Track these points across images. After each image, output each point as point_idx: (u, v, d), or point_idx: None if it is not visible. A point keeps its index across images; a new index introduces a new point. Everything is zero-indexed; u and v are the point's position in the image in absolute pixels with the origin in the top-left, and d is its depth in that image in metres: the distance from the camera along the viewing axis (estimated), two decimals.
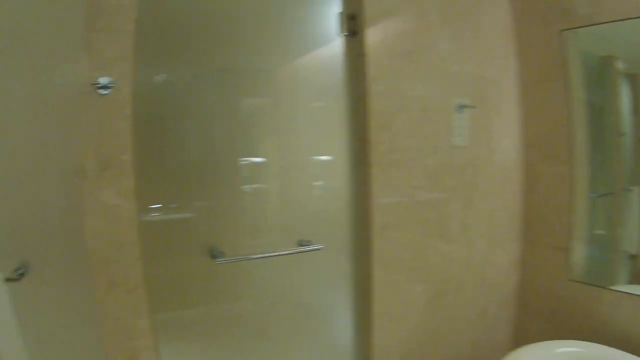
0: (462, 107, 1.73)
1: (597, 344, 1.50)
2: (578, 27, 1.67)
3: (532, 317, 1.99)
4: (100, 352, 1.36)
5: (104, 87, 1.25)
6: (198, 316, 1.55)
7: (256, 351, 1.61)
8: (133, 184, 1.29)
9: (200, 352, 1.55)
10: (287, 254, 1.53)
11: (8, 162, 1.33)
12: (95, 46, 1.25)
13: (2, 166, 1.32)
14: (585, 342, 1.55)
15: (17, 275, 1.32)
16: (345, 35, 1.65)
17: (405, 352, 1.71)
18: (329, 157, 1.66)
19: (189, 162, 1.49)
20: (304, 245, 1.53)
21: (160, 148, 1.45)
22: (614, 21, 1.54)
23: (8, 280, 1.29)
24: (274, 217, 1.63)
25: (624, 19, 1.50)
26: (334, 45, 1.65)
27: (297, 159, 1.64)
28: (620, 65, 1.65)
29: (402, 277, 1.64)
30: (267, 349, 1.63)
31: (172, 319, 1.53)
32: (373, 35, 1.58)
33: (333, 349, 1.74)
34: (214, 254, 1.45)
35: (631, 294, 1.57)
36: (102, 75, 1.25)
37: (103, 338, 1.33)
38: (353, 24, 1.62)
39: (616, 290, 1.63)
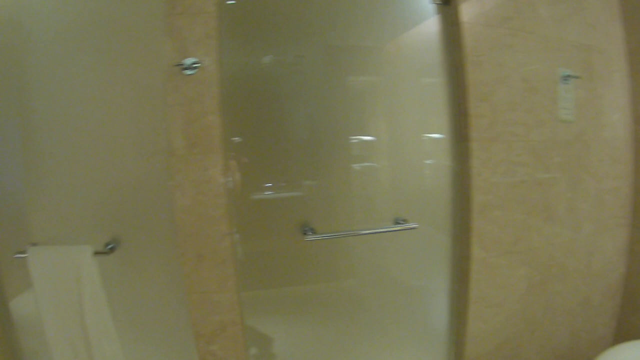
0: (566, 77, 1.29)
1: None
2: None
3: (638, 310, 1.44)
4: (186, 325, 1.20)
5: (189, 67, 1.09)
6: (292, 294, 1.36)
7: (347, 331, 1.39)
8: (221, 160, 1.10)
9: (288, 329, 1.34)
10: (378, 232, 1.28)
11: (103, 142, 1.25)
12: (177, 29, 1.10)
13: (97, 146, 1.25)
14: None
15: (108, 250, 1.23)
16: (437, 3, 1.33)
17: (500, 341, 1.31)
18: (439, 135, 1.36)
19: (298, 141, 1.29)
20: (399, 224, 1.13)
21: (269, 128, 1.26)
22: None
23: (97, 253, 1.19)
24: (377, 195, 1.37)
25: None
26: (436, 18, 1.35)
27: (407, 137, 1.36)
28: None
29: (501, 261, 1.24)
30: (359, 329, 1.40)
31: (262, 296, 1.33)
32: (468, 3, 1.27)
33: (427, 331, 1.47)
34: (305, 231, 1.23)
35: None
36: (186, 56, 1.09)
37: (189, 311, 1.17)
38: None
39: None
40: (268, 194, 1.26)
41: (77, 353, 1.22)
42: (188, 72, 1.09)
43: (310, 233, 1.19)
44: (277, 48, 1.27)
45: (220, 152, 1.08)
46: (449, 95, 1.32)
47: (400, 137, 1.33)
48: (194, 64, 1.09)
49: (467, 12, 1.27)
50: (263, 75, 1.25)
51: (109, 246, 1.19)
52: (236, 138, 1.22)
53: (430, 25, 1.33)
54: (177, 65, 1.08)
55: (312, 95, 1.28)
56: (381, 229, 1.25)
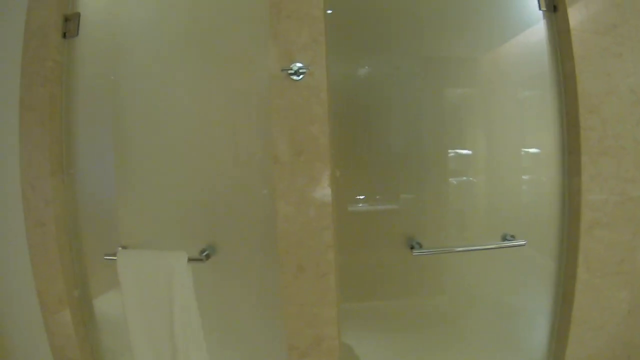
0: None
1: None
2: None
3: None
4: (278, 337, 1.19)
5: (296, 73, 1.07)
6: (385, 308, 1.32)
7: (437, 349, 1.33)
8: (329, 170, 1.07)
9: (382, 344, 1.31)
10: (487, 249, 1.22)
11: (200, 148, 1.25)
12: (283, 34, 1.08)
13: (194, 152, 1.25)
14: None
15: (203, 257, 1.21)
16: (544, 10, 1.28)
17: None
18: (536, 150, 1.30)
19: (394, 153, 1.26)
20: (507, 240, 1.08)
21: (366, 139, 1.24)
22: None
23: (191, 260, 1.17)
24: (477, 211, 1.33)
25: None
26: (540, 27, 1.29)
27: (504, 152, 1.32)
28: None
29: (605, 282, 1.20)
30: (449, 347, 1.34)
31: (358, 308, 1.30)
32: (575, 9, 1.21)
33: (523, 352, 1.39)
34: (412, 245, 1.21)
35: None
36: (293, 62, 1.07)
37: (285, 323, 1.15)
38: None
39: None
40: (361, 206, 1.21)
41: (162, 357, 1.20)
42: (295, 77, 1.04)
43: (418, 247, 1.14)
44: (373, 58, 1.23)
45: (327, 161, 1.04)
46: (555, 108, 1.25)
47: (497, 152, 1.29)
48: (301, 69, 1.04)
49: (574, 19, 1.21)
50: (359, 86, 1.22)
51: (204, 253, 1.15)
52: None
53: (531, 34, 1.26)
54: (284, 70, 1.03)
55: (409, 107, 1.23)
56: (489, 245, 1.20)
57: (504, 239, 1.22)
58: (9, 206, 1.35)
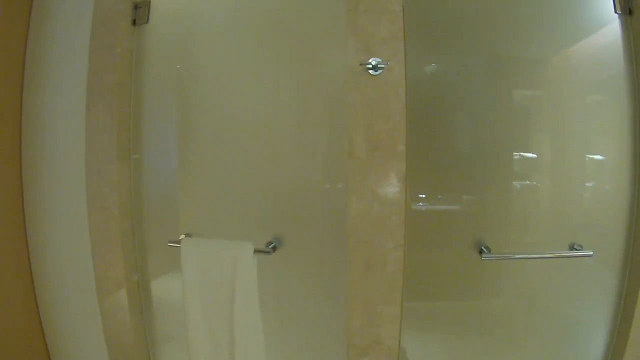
0: None
1: None
2: None
3: None
4: (339, 334, 1.17)
5: (374, 67, 1.05)
6: (441, 309, 1.31)
7: (496, 356, 1.30)
8: (404, 167, 1.06)
9: (435, 346, 1.31)
10: (555, 257, 1.21)
11: (270, 141, 1.25)
12: (361, 28, 1.06)
13: (263, 144, 1.25)
14: None
15: (269, 249, 1.21)
16: (619, 14, 1.22)
17: None
18: (602, 157, 1.26)
19: (458, 153, 1.25)
20: (575, 250, 1.07)
21: (429, 137, 1.22)
22: None
23: (257, 251, 1.17)
24: (543, 217, 1.29)
25: None
26: (612, 29, 1.23)
27: (571, 157, 1.27)
28: None
29: None
30: (508, 354, 1.32)
31: (415, 308, 1.28)
32: None
33: None
34: (480, 249, 1.19)
35: None
36: (371, 56, 1.05)
37: (347, 320, 1.13)
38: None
39: None
40: (422, 205, 1.20)
41: (218, 346, 1.21)
42: (373, 72, 1.03)
43: (487, 252, 1.12)
44: (442, 55, 1.21)
45: (403, 159, 1.03)
46: (627, 114, 1.21)
47: (563, 157, 1.25)
48: (380, 64, 1.03)
49: None
50: (427, 83, 1.19)
51: (271, 245, 1.16)
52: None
53: (603, 36, 1.22)
54: (362, 64, 1.02)
55: (474, 106, 1.21)
56: (556, 253, 1.17)
57: (572, 248, 1.18)
58: (70, 191, 1.39)
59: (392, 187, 1.04)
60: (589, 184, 1.29)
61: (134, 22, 1.35)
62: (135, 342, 1.39)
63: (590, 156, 1.28)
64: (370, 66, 1.05)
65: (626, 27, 1.23)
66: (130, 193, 1.33)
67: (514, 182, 1.25)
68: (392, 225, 1.05)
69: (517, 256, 1.15)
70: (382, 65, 1.04)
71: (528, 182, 1.25)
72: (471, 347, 1.29)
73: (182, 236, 1.24)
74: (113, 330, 1.38)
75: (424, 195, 1.23)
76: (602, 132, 1.28)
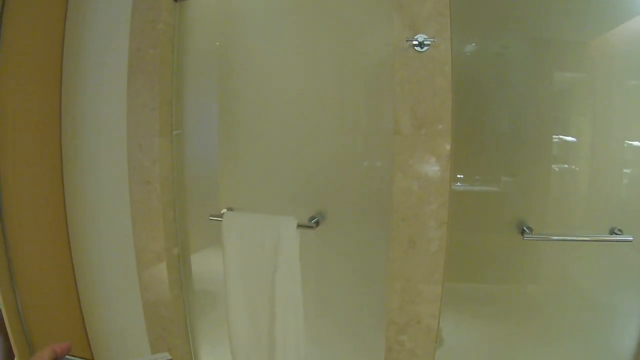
0: None
1: None
2: None
3: None
4: (379, 311, 1.21)
5: (421, 44, 1.06)
6: (483, 291, 1.32)
7: (521, 338, 1.33)
8: (449, 145, 1.07)
9: (474, 328, 1.33)
10: (595, 241, 1.21)
11: (314, 119, 1.28)
12: (406, 4, 1.07)
13: (308, 122, 1.29)
14: None
15: (312, 224, 1.23)
16: None
17: None
18: None
19: (498, 134, 1.25)
20: (615, 234, 1.14)
21: (468, 117, 1.22)
22: None
23: (300, 226, 1.21)
24: (583, 200, 1.29)
25: None
26: None
27: (610, 142, 1.26)
28: None
29: None
30: (542, 339, 1.33)
31: (456, 289, 1.30)
32: None
33: (611, 355, 1.33)
34: (522, 230, 1.19)
35: None
36: (417, 33, 1.06)
37: (388, 297, 1.16)
38: None
39: None
40: (460, 185, 1.21)
41: (257, 322, 1.26)
42: (419, 49, 1.04)
43: (529, 232, 1.13)
44: (482, 36, 1.21)
45: (449, 136, 1.04)
46: None
47: (601, 141, 1.23)
48: (426, 40, 1.04)
49: None
50: (469, 63, 1.19)
51: (313, 220, 1.19)
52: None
53: None
54: (408, 40, 1.03)
55: (514, 88, 1.21)
56: (596, 236, 1.17)
57: (612, 232, 1.18)
58: (112, 165, 1.45)
59: (436, 165, 1.06)
60: (627, 170, 1.28)
61: None
62: (174, 315, 1.45)
63: (630, 142, 1.27)
64: (416, 43, 1.05)
65: None
66: (172, 167, 1.38)
67: (552, 165, 1.25)
68: (436, 204, 1.07)
69: (559, 237, 1.15)
70: (429, 42, 1.05)
71: (567, 165, 1.25)
72: (506, 332, 1.31)
73: (224, 210, 1.28)
74: (152, 302, 1.45)
75: (461, 176, 1.23)
76: None
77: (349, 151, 1.21)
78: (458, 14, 1.17)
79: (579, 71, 1.26)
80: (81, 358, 0.53)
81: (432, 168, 1.06)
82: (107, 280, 1.56)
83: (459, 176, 1.24)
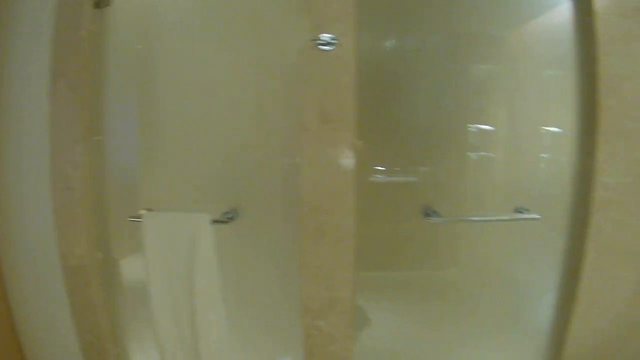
0: None
1: None
2: None
3: None
4: (296, 299, 1.26)
5: (327, 43, 1.14)
6: (400, 277, 1.32)
7: (443, 319, 1.44)
8: (353, 138, 1.16)
9: (394, 311, 1.31)
10: (501, 220, 1.32)
11: (225, 114, 1.34)
12: (314, 5, 1.15)
13: (219, 118, 1.34)
14: None
15: (226, 219, 1.29)
16: None
17: (599, 344, 1.36)
18: (556, 129, 1.39)
19: (416, 127, 1.37)
20: (520, 213, 1.16)
21: (388, 112, 1.34)
22: None
23: (215, 222, 1.26)
24: (494, 184, 1.42)
25: None
26: (565, 8, 1.35)
27: (525, 129, 1.41)
28: None
29: (614, 261, 1.29)
30: (455, 318, 1.42)
31: (375, 277, 1.43)
32: None
33: (526, 329, 1.50)
34: (427, 213, 1.28)
35: None
36: (323, 32, 1.14)
37: (301, 285, 1.23)
38: None
39: None
40: (381, 177, 1.30)
41: (180, 319, 1.30)
42: (325, 47, 1.13)
43: (434, 215, 1.23)
44: (400, 32, 1.31)
45: (352, 130, 1.14)
46: (576, 88, 1.33)
47: (518, 129, 1.36)
48: (332, 40, 1.13)
49: (600, 1, 1.27)
50: (385, 59, 1.30)
51: (228, 215, 1.26)
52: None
53: (557, 14, 1.33)
54: (314, 40, 1.12)
55: (433, 81, 1.32)
56: (503, 216, 1.28)
57: (518, 212, 1.31)
58: (33, 172, 1.46)
59: (341, 157, 1.14)
60: (544, 155, 1.41)
61: (97, 5, 1.42)
62: (102, 320, 1.47)
63: (546, 128, 1.41)
64: (322, 42, 1.14)
65: (576, 5, 1.35)
66: (94, 172, 1.41)
67: (469, 153, 1.37)
68: (343, 193, 1.16)
69: (463, 218, 1.26)
70: (334, 42, 1.14)
71: (484, 153, 1.37)
72: (430, 313, 1.40)
73: (143, 211, 1.33)
74: (79, 308, 1.46)
75: (383, 168, 1.33)
76: (556, 106, 1.39)
77: (262, 148, 1.28)
78: (375, 13, 1.27)
79: (496, 63, 1.39)
80: None
81: (338, 160, 1.15)
82: (33, 287, 1.55)
83: (379, 168, 1.33)
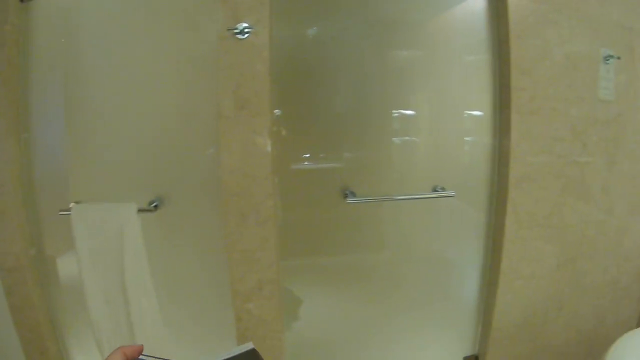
0: (608, 57, 1.33)
1: None
2: None
3: None
4: (223, 283, 1.28)
5: (242, 32, 1.16)
6: (327, 261, 1.45)
7: (380, 298, 1.49)
8: (269, 123, 1.18)
9: (321, 295, 1.46)
10: (416, 198, 1.38)
11: (149, 104, 1.34)
12: None
13: (143, 107, 1.34)
14: None
15: (152, 207, 1.31)
16: None
17: (528, 314, 1.42)
18: (477, 112, 1.44)
19: (340, 113, 1.37)
20: (437, 191, 1.22)
21: (312, 99, 1.34)
22: None
23: (141, 211, 1.27)
24: (414, 166, 1.45)
25: None
26: None
27: (449, 113, 1.45)
28: None
29: (534, 234, 1.35)
30: (389, 299, 1.46)
31: (298, 265, 1.44)
32: None
33: (456, 302, 1.55)
34: (345, 194, 1.32)
35: None
36: (239, 22, 1.16)
37: (229, 269, 1.25)
38: None
39: None
40: (307, 164, 1.34)
41: (114, 308, 1.32)
42: (240, 36, 1.16)
43: (351, 196, 1.27)
44: (323, 20, 1.33)
45: (268, 115, 1.17)
46: (492, 71, 1.39)
47: (441, 113, 1.41)
48: (246, 29, 1.16)
49: None
50: (308, 47, 1.33)
51: (153, 204, 1.28)
52: (277, 110, 1.30)
53: (476, 2, 1.38)
54: (230, 29, 1.15)
55: (355, 69, 1.35)
56: (418, 195, 1.33)
57: (434, 190, 1.36)
58: None
59: (258, 142, 1.17)
60: (467, 138, 1.46)
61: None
62: (41, 317, 1.47)
63: (470, 112, 1.46)
64: (237, 31, 1.17)
65: None
66: (22, 168, 1.40)
67: (394, 139, 1.41)
68: (262, 177, 1.19)
69: (380, 198, 1.30)
70: (249, 30, 1.16)
71: (408, 137, 1.41)
72: (363, 294, 1.45)
73: (72, 204, 1.33)
74: (17, 305, 1.46)
75: (308, 155, 1.36)
76: (476, 89, 1.44)
77: (185, 136, 1.30)
78: (293, 0, 1.29)
79: (418, 49, 1.42)
80: (155, 357, 0.51)
81: (255, 145, 1.18)
82: None
83: (305, 156, 1.36)
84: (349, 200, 1.25)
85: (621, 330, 1.48)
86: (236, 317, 1.26)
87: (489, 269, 1.46)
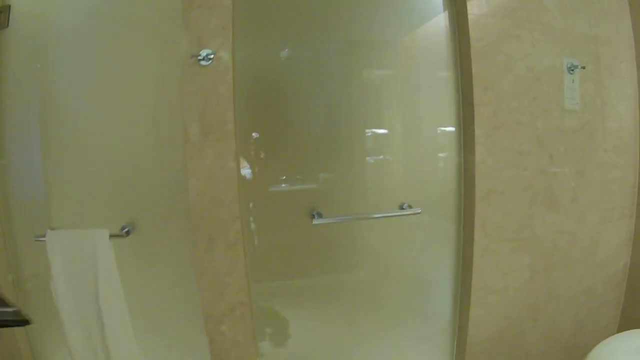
0: (572, 67, 1.37)
1: None
2: None
3: None
4: (196, 307, 1.30)
5: (205, 58, 1.19)
6: (301, 283, 1.47)
7: (352, 319, 1.49)
8: (234, 147, 1.21)
9: (296, 316, 1.47)
10: (383, 217, 1.40)
11: (120, 131, 1.38)
12: (194, 22, 1.20)
13: (114, 134, 1.37)
14: None
15: (123, 233, 1.33)
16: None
17: (503, 328, 1.43)
18: (452, 129, 1.47)
19: (315, 135, 1.40)
20: (403, 209, 1.26)
21: (287, 121, 1.37)
22: None
23: (113, 236, 1.30)
24: (383, 185, 1.47)
25: None
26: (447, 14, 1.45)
27: (421, 131, 1.48)
28: None
29: (504, 247, 1.36)
30: (363, 317, 1.47)
31: (273, 287, 1.46)
32: None
33: (431, 318, 1.55)
34: (312, 215, 1.35)
35: None
36: (202, 48, 1.19)
37: (200, 293, 1.27)
38: None
39: None
40: (283, 186, 1.37)
41: (90, 334, 1.34)
42: (204, 62, 1.19)
43: (318, 217, 1.30)
44: (293, 42, 1.37)
45: (232, 139, 1.19)
46: (456, 88, 1.42)
47: (413, 131, 1.44)
48: (209, 55, 1.19)
49: (474, 4, 1.37)
50: (280, 69, 1.36)
51: (125, 229, 1.31)
52: (254, 133, 1.33)
53: (443, 19, 1.42)
54: (193, 56, 1.19)
55: (328, 89, 1.38)
56: (385, 213, 1.36)
57: (401, 207, 1.38)
58: None
59: (225, 166, 1.20)
60: (441, 154, 1.49)
61: None
62: (20, 342, 1.49)
63: (442, 128, 1.49)
64: (200, 57, 1.20)
65: (452, 9, 1.45)
66: None
67: (368, 158, 1.44)
68: (229, 200, 1.21)
69: (346, 217, 1.33)
70: (212, 56, 1.20)
71: (382, 156, 1.44)
72: (342, 313, 1.47)
73: (48, 230, 1.36)
74: None
75: (284, 177, 1.39)
76: (448, 105, 1.48)
77: (156, 161, 1.33)
78: (265, 24, 1.33)
79: (389, 68, 1.45)
80: None
81: (221, 169, 1.21)
82: None
83: (282, 178, 1.39)
84: (315, 221, 1.27)
85: (600, 337, 1.50)
86: (210, 340, 1.28)
87: (461, 284, 1.48)
